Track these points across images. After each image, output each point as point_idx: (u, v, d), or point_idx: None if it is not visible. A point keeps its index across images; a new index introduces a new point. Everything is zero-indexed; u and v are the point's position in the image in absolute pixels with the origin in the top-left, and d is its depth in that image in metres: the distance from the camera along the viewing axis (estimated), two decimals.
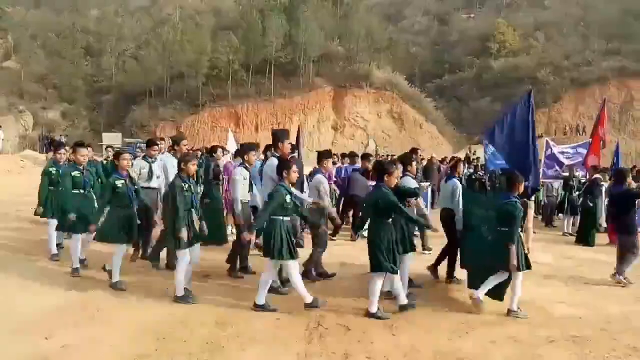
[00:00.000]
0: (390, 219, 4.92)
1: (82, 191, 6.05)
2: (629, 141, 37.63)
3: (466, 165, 14.18)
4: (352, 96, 41.65)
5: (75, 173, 6.05)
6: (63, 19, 49.32)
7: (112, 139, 29.92)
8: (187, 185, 5.13)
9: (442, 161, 16.34)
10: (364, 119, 41.91)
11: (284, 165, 5.08)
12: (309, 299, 4.86)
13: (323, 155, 6.53)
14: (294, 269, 4.88)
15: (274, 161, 5.59)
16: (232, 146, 13.25)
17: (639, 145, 40.23)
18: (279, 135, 6.00)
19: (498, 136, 6.55)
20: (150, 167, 6.66)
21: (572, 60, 45.56)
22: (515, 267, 4.95)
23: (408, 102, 42.80)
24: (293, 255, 4.84)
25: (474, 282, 5.43)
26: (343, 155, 12.03)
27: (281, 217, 4.86)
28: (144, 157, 6.87)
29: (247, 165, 6.12)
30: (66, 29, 46.72)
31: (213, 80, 40.29)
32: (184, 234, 4.97)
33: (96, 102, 44.13)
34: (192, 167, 5.23)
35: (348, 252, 7.68)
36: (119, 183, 5.51)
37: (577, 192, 11.08)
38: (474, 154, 24.13)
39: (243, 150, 6.41)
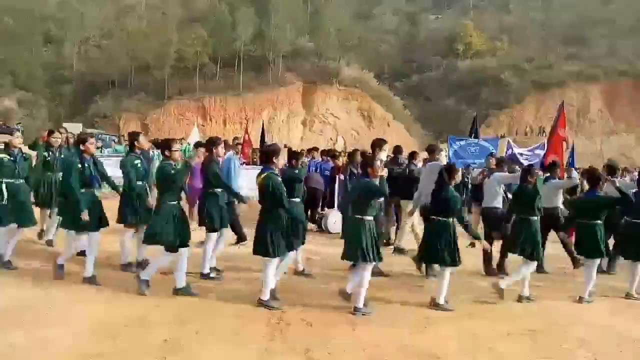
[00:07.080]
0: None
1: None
2: (585, 142, 39.26)
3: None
4: (322, 93, 41.62)
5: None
6: (20, 3, 46.91)
7: (73, 128, 28.76)
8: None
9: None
10: (333, 115, 41.98)
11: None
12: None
13: None
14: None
15: None
16: (194, 139, 13.58)
17: (595, 147, 42.09)
18: (378, 144, 6.59)
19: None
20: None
21: (534, 64, 47.10)
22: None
23: (377, 100, 43.14)
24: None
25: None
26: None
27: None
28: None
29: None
30: (24, 14, 44.45)
31: (180, 72, 39.35)
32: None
33: (56, 92, 42.31)
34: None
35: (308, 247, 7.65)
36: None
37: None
38: None
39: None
